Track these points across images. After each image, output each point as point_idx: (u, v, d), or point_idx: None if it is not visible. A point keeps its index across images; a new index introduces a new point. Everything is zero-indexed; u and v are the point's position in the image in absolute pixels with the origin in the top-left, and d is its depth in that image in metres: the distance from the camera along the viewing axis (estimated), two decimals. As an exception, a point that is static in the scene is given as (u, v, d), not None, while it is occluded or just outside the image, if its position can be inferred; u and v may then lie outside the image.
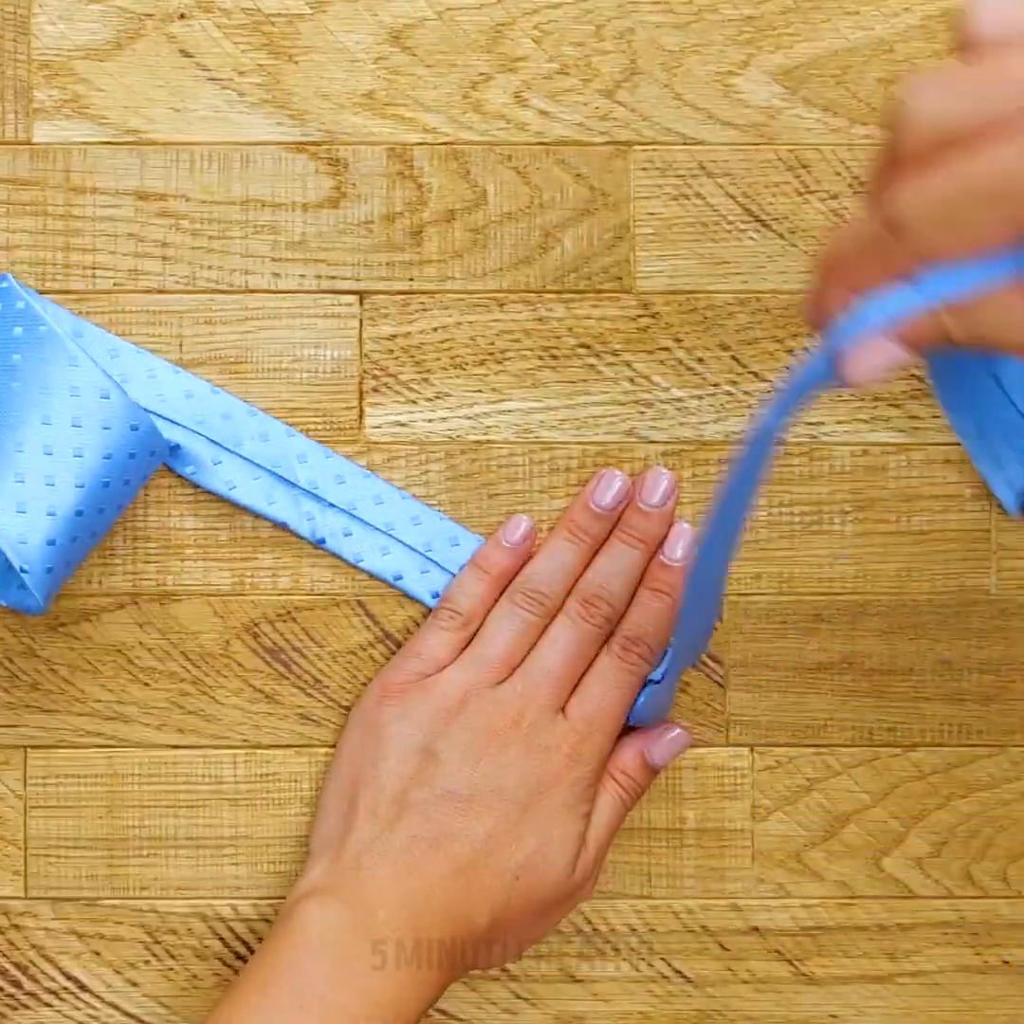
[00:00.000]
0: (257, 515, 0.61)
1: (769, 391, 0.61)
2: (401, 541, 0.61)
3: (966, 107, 0.40)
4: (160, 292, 0.61)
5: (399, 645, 0.61)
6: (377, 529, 0.61)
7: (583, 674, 0.59)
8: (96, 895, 0.61)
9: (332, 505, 0.61)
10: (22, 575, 0.56)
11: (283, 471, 0.60)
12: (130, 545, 0.61)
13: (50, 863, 0.61)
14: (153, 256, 0.61)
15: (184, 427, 0.60)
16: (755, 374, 0.61)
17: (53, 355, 0.56)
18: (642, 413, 0.61)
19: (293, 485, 0.61)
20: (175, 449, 0.60)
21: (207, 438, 0.60)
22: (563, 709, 0.59)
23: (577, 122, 0.61)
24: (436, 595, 0.61)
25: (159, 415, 0.60)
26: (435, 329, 0.61)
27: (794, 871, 0.62)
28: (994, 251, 0.41)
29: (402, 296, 0.61)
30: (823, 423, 0.61)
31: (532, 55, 0.61)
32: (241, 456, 0.61)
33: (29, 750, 0.61)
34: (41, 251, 0.61)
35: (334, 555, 0.61)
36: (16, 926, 0.61)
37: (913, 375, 0.61)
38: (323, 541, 0.61)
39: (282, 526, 0.61)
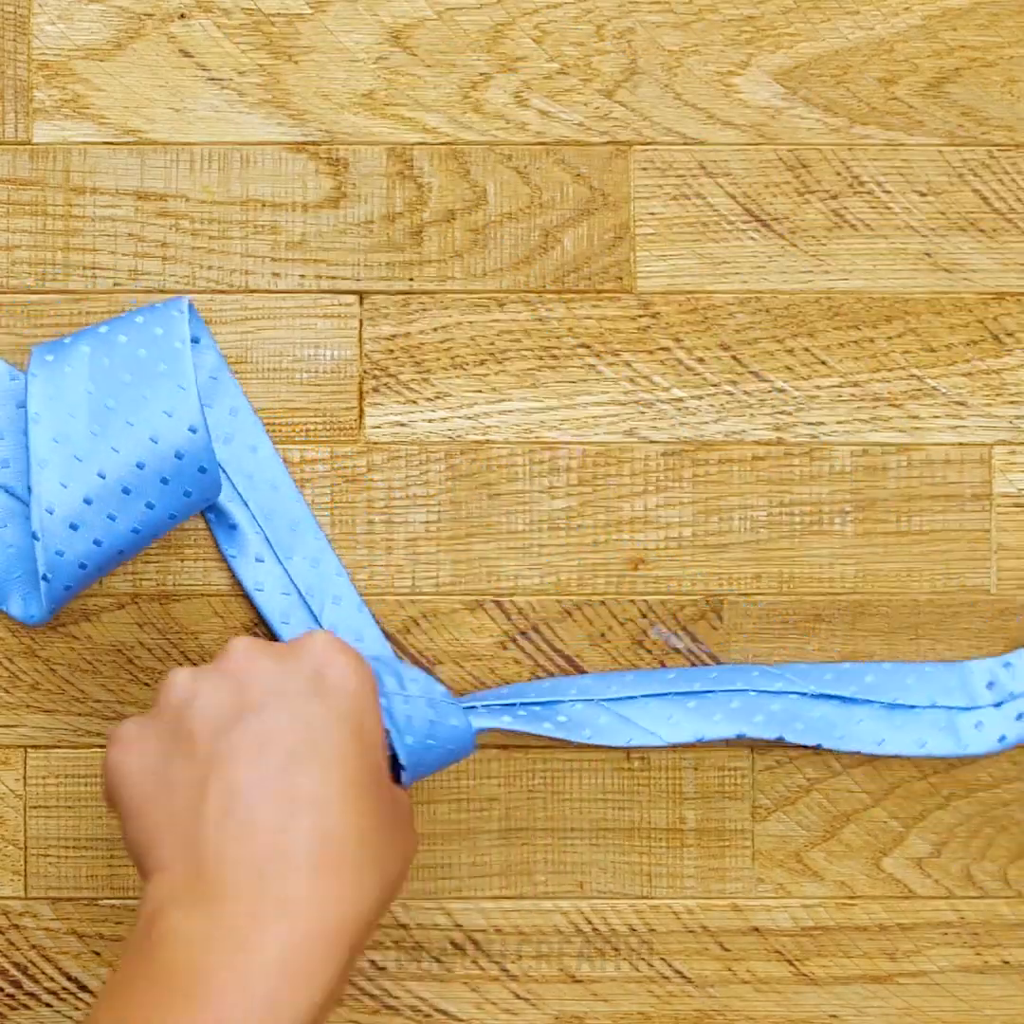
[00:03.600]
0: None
1: (770, 391, 0.61)
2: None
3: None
4: (160, 292, 0.61)
5: (400, 646, 0.61)
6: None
7: None
8: (96, 895, 0.61)
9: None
10: (42, 582, 0.56)
11: (313, 602, 0.61)
12: (130, 545, 0.61)
13: (50, 863, 0.61)
14: (153, 256, 0.61)
15: (251, 513, 0.60)
16: (755, 374, 0.61)
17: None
18: (642, 413, 0.61)
19: (313, 617, 0.61)
20: (232, 529, 0.60)
21: (265, 535, 0.60)
22: None
23: (577, 122, 0.61)
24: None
25: (235, 489, 0.60)
26: (435, 329, 0.61)
27: (794, 871, 0.62)
28: None
29: (402, 296, 0.61)
30: (823, 423, 0.61)
31: (532, 55, 0.61)
32: (283, 567, 0.61)
33: (29, 750, 0.61)
34: (41, 251, 0.61)
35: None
36: (16, 926, 0.61)
37: (913, 375, 0.61)
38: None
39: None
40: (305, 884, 0.50)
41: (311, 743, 0.51)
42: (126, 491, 0.56)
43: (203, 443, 0.57)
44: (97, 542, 0.57)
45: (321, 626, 0.60)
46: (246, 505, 0.61)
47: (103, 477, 0.56)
